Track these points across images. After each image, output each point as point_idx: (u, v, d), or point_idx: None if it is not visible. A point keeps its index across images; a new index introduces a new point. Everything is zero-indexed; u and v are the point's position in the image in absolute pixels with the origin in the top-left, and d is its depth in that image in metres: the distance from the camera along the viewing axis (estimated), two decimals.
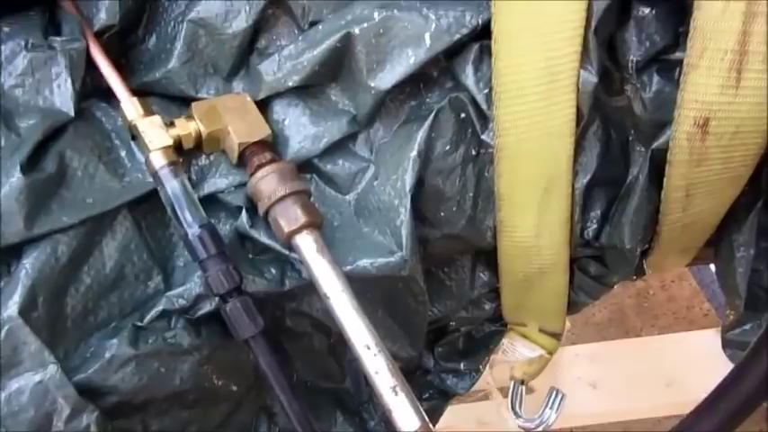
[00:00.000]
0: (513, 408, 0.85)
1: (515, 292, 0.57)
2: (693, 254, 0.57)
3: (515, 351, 0.68)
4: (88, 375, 0.40)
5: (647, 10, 0.43)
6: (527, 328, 0.65)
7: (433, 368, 0.62)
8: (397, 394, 0.41)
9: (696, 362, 0.95)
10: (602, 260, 0.55)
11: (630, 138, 0.49)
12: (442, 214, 0.49)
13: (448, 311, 0.58)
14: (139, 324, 0.43)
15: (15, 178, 0.38)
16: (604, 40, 0.43)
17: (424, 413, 0.41)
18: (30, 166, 0.40)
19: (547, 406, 0.91)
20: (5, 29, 0.44)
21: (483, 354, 0.63)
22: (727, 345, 0.60)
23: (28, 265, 0.38)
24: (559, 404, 0.91)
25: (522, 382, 0.81)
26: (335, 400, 0.57)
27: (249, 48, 0.48)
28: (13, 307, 0.37)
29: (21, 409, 0.37)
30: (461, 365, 0.62)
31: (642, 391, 0.96)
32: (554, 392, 0.91)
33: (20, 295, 0.37)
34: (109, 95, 0.47)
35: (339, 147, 0.49)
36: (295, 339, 0.53)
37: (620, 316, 1.26)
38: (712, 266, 1.08)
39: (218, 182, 0.47)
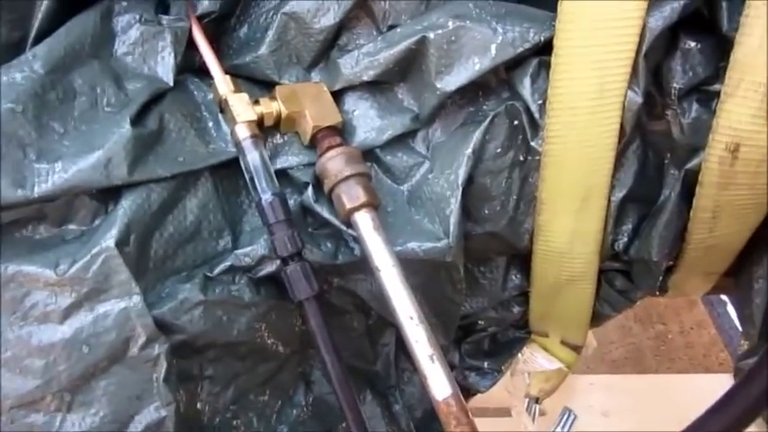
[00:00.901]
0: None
1: (544, 298, 0.61)
2: (714, 280, 0.60)
3: (535, 361, 0.72)
4: (162, 312, 0.44)
5: (692, 43, 0.47)
6: (549, 339, 0.69)
7: (458, 364, 0.66)
8: (433, 362, 0.45)
9: (710, 404, 0.97)
10: (629, 275, 0.59)
11: (666, 161, 0.53)
12: (486, 212, 0.53)
13: (479, 309, 0.62)
14: (209, 275, 0.48)
15: (125, 129, 0.44)
16: (652, 66, 0.48)
17: (456, 383, 0.45)
18: (135, 121, 0.45)
19: (558, 425, 0.94)
20: (124, 3, 0.50)
21: (506, 356, 0.67)
22: (739, 374, 0.63)
23: (126, 206, 0.43)
24: (571, 425, 0.93)
25: (537, 401, 0.84)
26: (366, 381, 0.61)
27: (331, 43, 0.53)
28: (110, 239, 0.42)
29: (104, 331, 0.42)
30: (485, 364, 0.66)
31: (653, 426, 0.97)
32: (567, 413, 0.93)
33: (117, 230, 0.42)
34: (199, 72, 0.54)
35: (399, 141, 0.54)
36: (336, 316, 0.58)
37: (636, 355, 1.28)
38: (731, 313, 1.11)
39: (290, 159, 0.52)
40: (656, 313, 1.38)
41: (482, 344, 0.67)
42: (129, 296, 0.43)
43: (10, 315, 0.41)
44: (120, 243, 0.42)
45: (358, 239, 0.49)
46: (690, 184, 0.49)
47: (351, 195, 0.49)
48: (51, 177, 0.41)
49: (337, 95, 0.54)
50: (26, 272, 0.41)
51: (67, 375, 0.42)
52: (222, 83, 0.50)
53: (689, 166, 0.49)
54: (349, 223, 0.50)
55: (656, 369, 1.27)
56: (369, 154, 0.54)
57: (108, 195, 0.45)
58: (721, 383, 1.00)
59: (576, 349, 0.69)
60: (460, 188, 0.50)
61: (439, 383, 0.45)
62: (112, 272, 0.42)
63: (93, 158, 0.42)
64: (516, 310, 0.63)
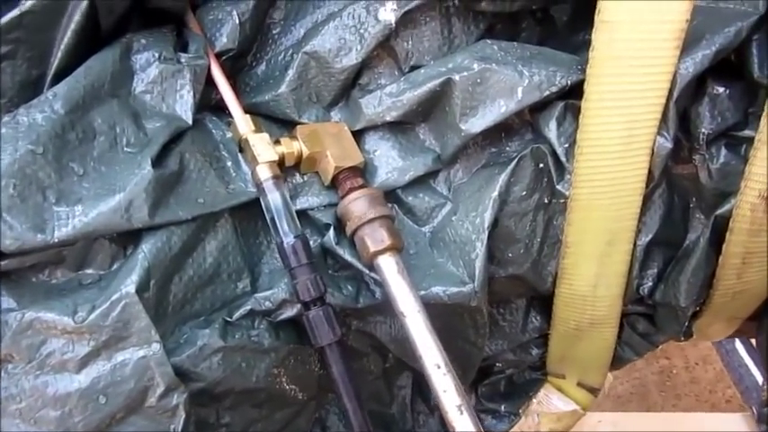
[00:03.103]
0: None
1: (564, 341, 0.60)
2: (738, 324, 0.59)
3: (550, 403, 0.70)
4: (181, 359, 0.43)
5: (721, 89, 0.47)
6: (565, 381, 0.67)
7: (474, 406, 0.64)
8: (462, 413, 0.44)
9: None
10: (652, 319, 0.58)
11: (692, 205, 0.52)
12: (509, 255, 0.52)
13: (498, 351, 0.61)
14: (228, 319, 0.46)
15: (146, 171, 0.42)
16: (680, 111, 0.47)
17: None
18: (156, 162, 0.44)
19: None
20: (143, 41, 0.49)
21: (523, 399, 0.66)
22: (763, 420, 0.61)
23: (146, 250, 0.42)
24: None
25: None
26: (381, 424, 0.60)
27: (352, 82, 0.52)
28: (131, 285, 0.41)
29: (122, 380, 0.41)
30: (502, 407, 0.64)
31: None
32: None
33: (137, 275, 0.41)
34: (215, 109, 0.53)
35: (421, 181, 0.53)
36: (354, 358, 0.56)
37: (641, 391, 1.26)
38: (740, 350, 1.10)
39: (310, 200, 0.51)
40: (660, 348, 1.37)
41: (498, 386, 0.65)
42: (148, 344, 0.41)
43: (26, 364, 0.40)
44: (141, 289, 0.41)
45: (381, 283, 0.48)
46: (719, 230, 0.48)
47: (375, 238, 0.47)
48: (71, 221, 0.40)
49: (357, 135, 0.53)
50: (44, 319, 0.39)
51: (83, 426, 0.40)
52: (243, 122, 0.49)
53: (719, 212, 0.48)
54: (372, 266, 0.48)
55: (662, 406, 1.25)
56: (390, 194, 0.53)
57: (126, 238, 0.43)
58: (731, 424, 0.99)
59: (594, 392, 0.68)
60: (486, 231, 0.49)
61: None
62: (132, 319, 0.41)
63: (113, 201, 0.41)
64: (535, 352, 0.62)
